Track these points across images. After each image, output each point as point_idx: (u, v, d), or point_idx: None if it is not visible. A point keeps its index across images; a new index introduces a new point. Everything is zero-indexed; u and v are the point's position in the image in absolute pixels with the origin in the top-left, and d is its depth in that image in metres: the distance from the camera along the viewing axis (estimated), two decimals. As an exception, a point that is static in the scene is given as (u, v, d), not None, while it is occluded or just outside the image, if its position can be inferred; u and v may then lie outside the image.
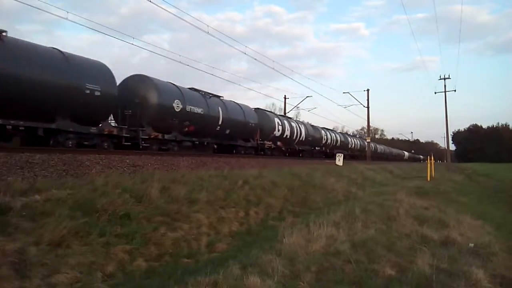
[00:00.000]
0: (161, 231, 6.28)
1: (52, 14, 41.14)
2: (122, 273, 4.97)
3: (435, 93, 47.43)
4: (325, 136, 36.73)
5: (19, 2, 12.65)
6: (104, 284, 4.55)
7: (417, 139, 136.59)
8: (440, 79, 46.71)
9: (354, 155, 46.79)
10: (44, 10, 57.97)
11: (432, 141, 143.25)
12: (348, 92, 41.51)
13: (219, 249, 6.73)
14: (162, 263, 5.62)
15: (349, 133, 61.94)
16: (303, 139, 31.04)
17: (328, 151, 37.58)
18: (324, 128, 38.42)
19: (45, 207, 5.36)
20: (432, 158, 28.23)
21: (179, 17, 66.19)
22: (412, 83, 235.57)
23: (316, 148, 35.37)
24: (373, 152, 50.97)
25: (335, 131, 42.01)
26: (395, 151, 79.76)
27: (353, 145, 47.64)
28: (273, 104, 66.64)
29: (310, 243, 5.73)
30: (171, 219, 6.84)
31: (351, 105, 54.23)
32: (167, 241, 6.14)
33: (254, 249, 5.67)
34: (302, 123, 33.37)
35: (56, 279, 4.21)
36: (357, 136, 53.93)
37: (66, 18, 14.91)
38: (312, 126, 35.56)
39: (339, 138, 41.05)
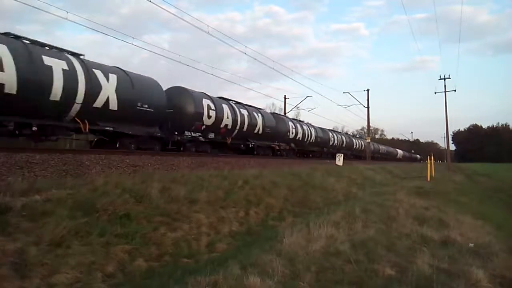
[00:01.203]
0: (161, 231, 6.28)
1: (52, 14, 41.09)
2: (122, 273, 4.97)
3: (435, 93, 47.30)
4: (238, 117, 20.88)
5: (19, 2, 12.64)
6: (104, 284, 4.55)
7: (417, 139, 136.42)
8: (440, 79, 46.63)
9: (312, 151, 34.15)
10: (44, 10, 57.98)
11: (432, 141, 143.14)
12: (348, 92, 41.48)
13: (219, 249, 6.73)
14: (162, 263, 5.62)
15: (349, 133, 61.64)
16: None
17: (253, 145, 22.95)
18: (234, 102, 21.92)
19: (45, 207, 5.36)
20: (432, 158, 28.24)
21: (179, 17, 66.26)
22: (412, 83, 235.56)
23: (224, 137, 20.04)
24: (346, 148, 42.74)
25: (262, 111, 25.62)
26: (383, 148, 65.81)
27: (295, 136, 29.02)
28: (273, 104, 66.49)
29: (310, 243, 5.73)
30: (171, 219, 6.84)
31: (351, 105, 54.08)
32: (167, 241, 6.13)
33: (254, 249, 5.67)
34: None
35: (56, 279, 4.21)
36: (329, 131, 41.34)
37: (66, 18, 14.82)
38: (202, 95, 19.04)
39: (268, 123, 24.65)
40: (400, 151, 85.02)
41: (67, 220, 5.10)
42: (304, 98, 41.48)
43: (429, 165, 25.60)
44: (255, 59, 64.42)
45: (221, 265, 4.77)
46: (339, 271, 4.77)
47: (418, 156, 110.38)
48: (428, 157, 28.32)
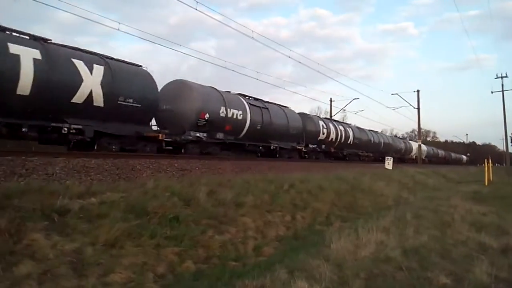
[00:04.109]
0: (208, 234, 6.38)
1: (106, 25, 43.31)
2: (172, 274, 5.09)
3: (492, 92, 44.67)
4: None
5: (76, 15, 13.36)
6: (156, 284, 4.68)
7: (473, 142, 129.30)
8: (497, 77, 43.99)
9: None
10: (98, 22, 61.31)
11: (489, 143, 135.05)
12: (397, 94, 40.05)
13: (266, 253, 6.74)
14: (210, 265, 5.70)
15: (398, 135, 59.59)
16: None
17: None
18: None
19: (100, 209, 5.61)
20: (490, 161, 26.72)
21: (224, 24, 67.41)
22: (466, 82, 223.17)
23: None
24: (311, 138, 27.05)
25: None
26: (365, 136, 34.61)
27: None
28: (318, 108, 65.81)
29: (358, 249, 5.60)
30: (218, 222, 6.93)
31: (400, 107, 52.09)
32: (215, 244, 6.22)
33: (301, 254, 5.62)
34: None
35: (111, 278, 4.39)
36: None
37: (118, 29, 15.54)
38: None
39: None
40: (404, 145, 48.81)
41: (121, 222, 5.31)
42: (350, 100, 40.75)
43: (486, 168, 24.27)
44: (300, 62, 64.12)
45: (268, 269, 4.77)
46: (390, 279, 4.62)
47: (464, 156, 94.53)
48: (486, 160, 26.78)
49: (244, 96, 19.56)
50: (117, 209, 5.77)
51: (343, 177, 14.77)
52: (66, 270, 4.17)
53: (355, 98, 40.56)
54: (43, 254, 4.25)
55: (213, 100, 16.58)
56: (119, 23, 20.45)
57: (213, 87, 17.55)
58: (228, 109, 17.04)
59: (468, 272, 4.86)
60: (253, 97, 20.47)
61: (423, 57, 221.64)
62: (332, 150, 27.48)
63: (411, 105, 40.42)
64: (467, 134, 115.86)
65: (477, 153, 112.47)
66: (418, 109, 39.90)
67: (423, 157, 52.23)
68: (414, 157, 50.08)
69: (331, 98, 42.23)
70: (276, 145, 20.69)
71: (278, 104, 22.57)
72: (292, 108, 24.91)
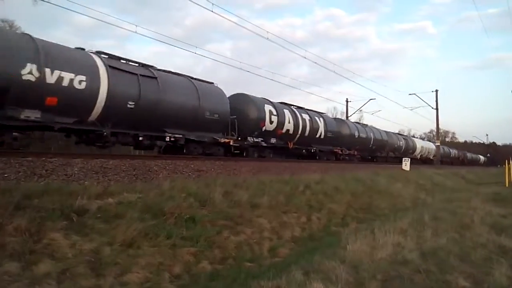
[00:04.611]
0: (224, 234, 6.41)
1: (123, 28, 43.82)
2: (188, 274, 5.13)
3: (513, 91, 43.49)
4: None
5: (94, 18, 13.39)
6: (172, 284, 4.72)
7: (493, 142, 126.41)
8: (518, 76, 42.94)
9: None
10: (115, 25, 62.02)
11: (510, 143, 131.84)
12: (414, 94, 39.45)
13: (281, 254, 6.73)
14: (226, 266, 5.72)
15: (415, 136, 58.69)
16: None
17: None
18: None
19: (118, 210, 5.69)
20: (511, 162, 26.10)
21: (240, 25, 67.58)
22: (486, 82, 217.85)
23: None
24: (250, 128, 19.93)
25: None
26: (345, 129, 27.82)
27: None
28: (334, 108, 65.14)
29: (375, 251, 5.54)
30: (234, 223, 6.95)
31: (418, 107, 51.04)
32: (230, 244, 6.24)
33: (316, 255, 5.59)
34: None
35: (128, 278, 4.45)
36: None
37: (135, 32, 15.52)
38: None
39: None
40: (404, 142, 39.58)
41: (137, 222, 5.37)
42: (367, 100, 40.19)
43: (507, 170, 23.73)
44: (315, 63, 63.85)
45: (284, 270, 4.76)
46: (408, 281, 4.55)
47: (481, 157, 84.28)
48: (506, 161, 26.16)
49: (106, 55, 11.83)
50: (134, 210, 5.84)
51: (359, 178, 14.65)
52: (84, 269, 4.24)
53: (371, 99, 40.02)
54: (62, 254, 4.34)
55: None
56: (136, 25, 20.52)
57: (25, 33, 10.58)
58: (48, 70, 9.50)
59: (487, 275, 4.76)
60: (138, 62, 12.82)
61: (441, 57, 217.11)
62: (291, 145, 20.31)
63: (429, 105, 39.83)
64: (487, 135, 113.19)
65: (497, 154, 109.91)
66: (437, 109, 39.30)
67: (431, 157, 47.00)
68: (419, 157, 43.58)
69: (347, 99, 41.67)
70: (178, 136, 13.35)
71: (187, 76, 14.69)
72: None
